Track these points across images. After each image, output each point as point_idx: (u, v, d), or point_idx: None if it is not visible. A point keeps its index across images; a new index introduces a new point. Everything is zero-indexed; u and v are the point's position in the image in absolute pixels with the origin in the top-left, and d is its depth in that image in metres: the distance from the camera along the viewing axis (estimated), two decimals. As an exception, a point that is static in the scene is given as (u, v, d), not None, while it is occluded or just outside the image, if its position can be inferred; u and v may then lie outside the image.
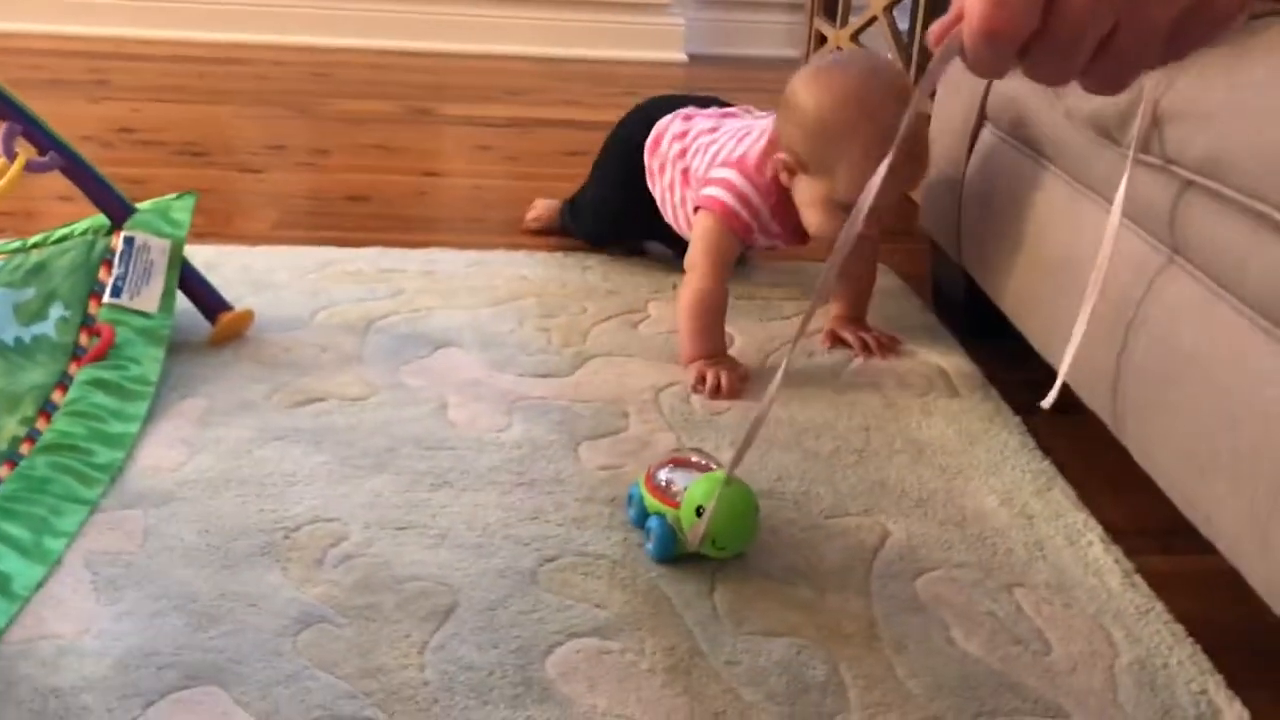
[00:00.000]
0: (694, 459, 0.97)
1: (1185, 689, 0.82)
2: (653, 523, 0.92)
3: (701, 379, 1.19)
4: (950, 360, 1.30)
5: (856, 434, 1.14)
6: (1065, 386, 1.07)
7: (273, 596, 0.85)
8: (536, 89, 2.60)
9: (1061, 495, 1.05)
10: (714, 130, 1.35)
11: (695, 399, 1.18)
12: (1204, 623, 0.89)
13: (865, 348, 1.30)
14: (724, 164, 1.28)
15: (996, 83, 1.24)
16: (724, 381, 1.18)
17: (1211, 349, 0.85)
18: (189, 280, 1.23)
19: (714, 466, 0.95)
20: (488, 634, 0.83)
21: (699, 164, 1.33)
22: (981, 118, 1.27)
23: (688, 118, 1.40)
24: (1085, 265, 1.02)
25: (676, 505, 0.90)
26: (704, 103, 1.46)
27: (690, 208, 1.33)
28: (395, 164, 1.97)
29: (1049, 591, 0.92)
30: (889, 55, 1.86)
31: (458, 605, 0.85)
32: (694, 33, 3.01)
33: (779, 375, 0.78)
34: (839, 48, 2.18)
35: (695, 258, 1.26)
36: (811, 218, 1.22)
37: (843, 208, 1.16)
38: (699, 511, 0.88)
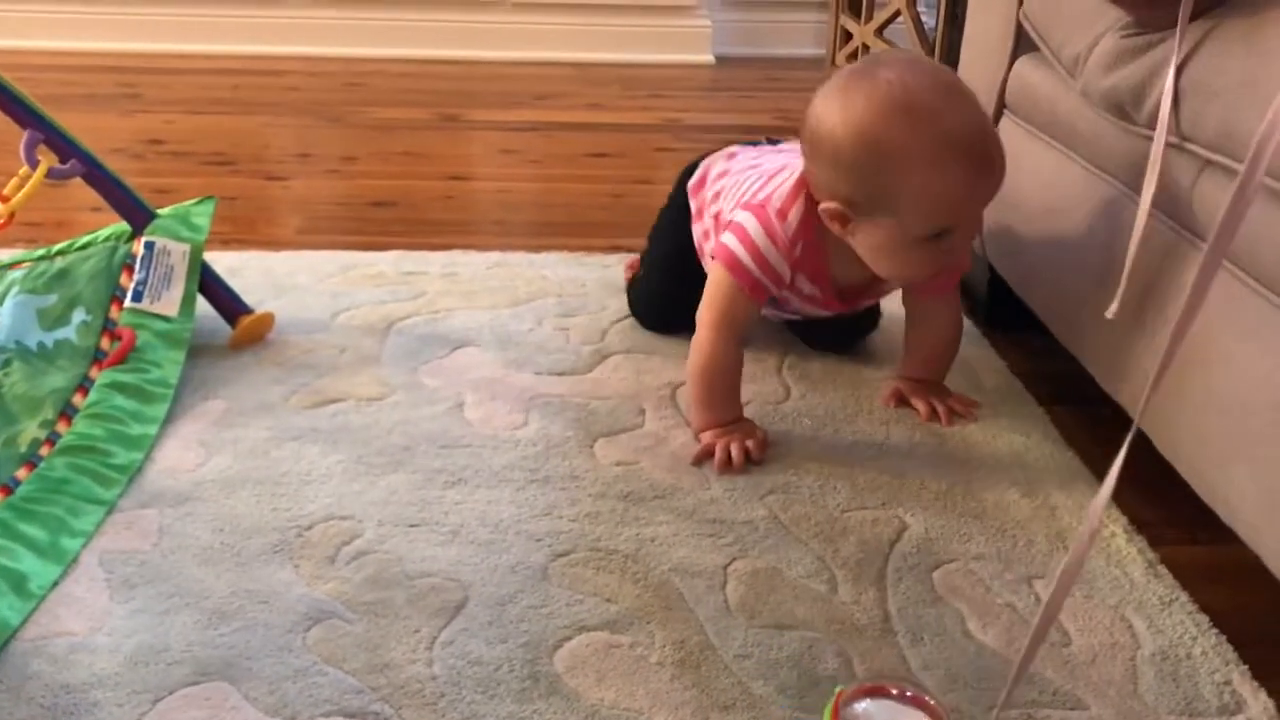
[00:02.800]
0: (894, 689, 0.71)
1: (1209, 680, 0.79)
2: None
3: (709, 452, 1.04)
4: (974, 353, 1.28)
5: (877, 428, 1.12)
6: (1088, 377, 1.05)
7: (284, 593, 0.85)
8: (564, 93, 2.60)
9: (1086, 487, 1.03)
10: (750, 170, 1.16)
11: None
12: (1230, 613, 0.86)
13: (933, 415, 1.12)
14: (744, 206, 1.09)
15: (1014, 71, 1.22)
16: (734, 453, 1.03)
17: (1228, 332, 0.83)
18: (209, 284, 1.24)
19: (927, 699, 0.68)
20: (497, 629, 0.82)
21: (727, 206, 1.14)
22: (1001, 106, 1.25)
23: (731, 155, 1.22)
24: (1106, 251, 1.00)
25: None
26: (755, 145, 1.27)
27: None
28: (422, 169, 1.98)
29: (1070, 583, 0.90)
30: (912, 47, 1.84)
31: (468, 600, 0.85)
32: (721, 34, 3.00)
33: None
34: (865, 45, 2.16)
35: (705, 315, 1.08)
36: (887, 266, 1.03)
37: (922, 242, 0.98)
38: None
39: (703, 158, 1.25)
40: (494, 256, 1.52)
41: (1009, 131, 1.24)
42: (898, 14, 1.94)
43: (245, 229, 1.65)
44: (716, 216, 1.16)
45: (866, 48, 2.16)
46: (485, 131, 2.26)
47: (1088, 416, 1.14)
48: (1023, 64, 1.20)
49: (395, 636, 0.81)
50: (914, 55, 1.04)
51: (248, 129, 2.21)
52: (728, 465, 1.03)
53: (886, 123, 0.94)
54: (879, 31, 2.08)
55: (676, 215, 1.27)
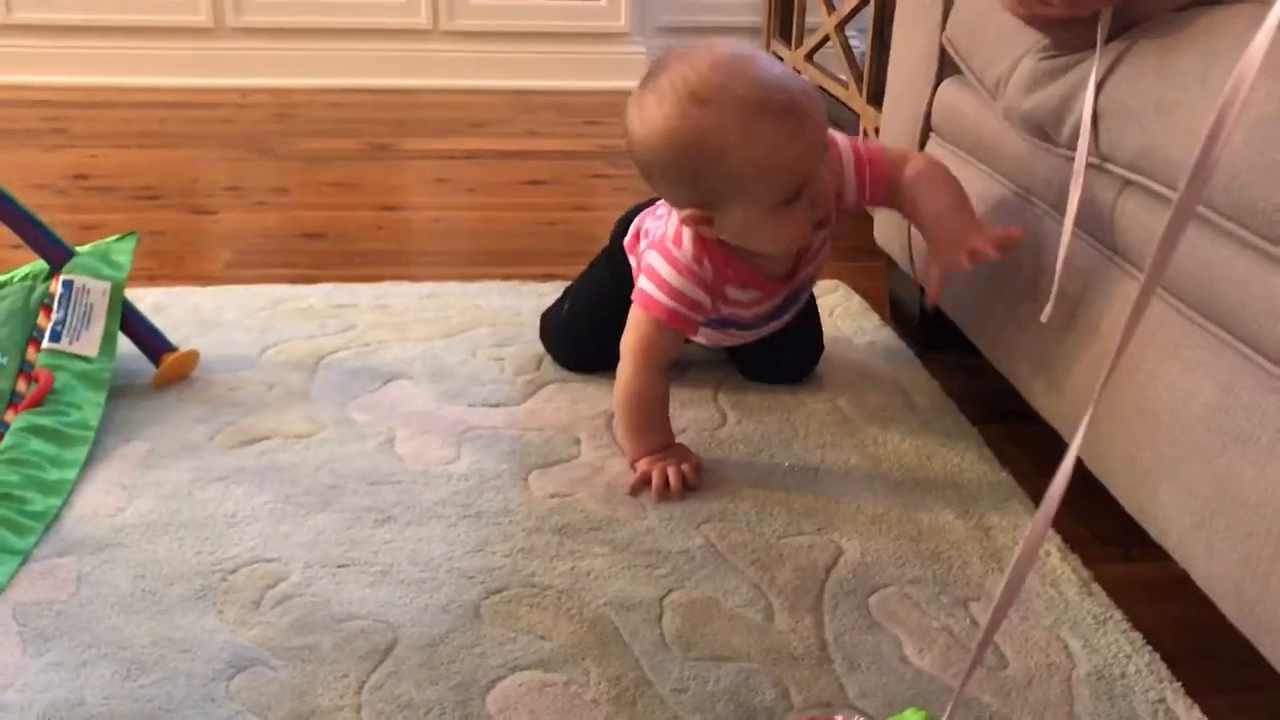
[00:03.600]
0: (838, 717, 0.75)
1: (1143, 698, 0.80)
2: None
3: (645, 480, 1.03)
4: (907, 374, 1.28)
5: (813, 451, 1.12)
6: (1020, 395, 1.06)
7: (207, 641, 0.83)
8: (499, 121, 2.59)
9: (1020, 506, 1.03)
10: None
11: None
12: (1163, 630, 0.87)
13: (1003, 248, 0.99)
14: (650, 246, 1.11)
15: (939, 93, 1.23)
16: (671, 479, 1.02)
17: (1149, 347, 0.84)
18: (131, 322, 1.21)
19: None
20: (427, 671, 0.80)
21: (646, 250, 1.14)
22: (927, 129, 1.26)
23: (656, 215, 1.18)
24: (1032, 271, 1.01)
25: None
26: None
27: None
28: (353, 200, 1.96)
29: (1006, 604, 0.89)
30: (842, 76, 1.85)
31: (397, 642, 0.83)
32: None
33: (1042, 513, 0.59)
34: (796, 69, 2.18)
35: (624, 345, 1.08)
36: (765, 242, 1.03)
37: (783, 207, 0.97)
38: None
39: (637, 209, 1.23)
40: (427, 287, 1.51)
41: (936, 153, 1.24)
42: (827, 38, 1.96)
43: (172, 264, 1.62)
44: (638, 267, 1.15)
45: (798, 72, 2.17)
46: (419, 160, 2.24)
47: (1020, 435, 1.15)
48: (947, 87, 1.22)
49: (322, 682, 0.79)
50: (697, 47, 0.97)
51: (176, 162, 2.17)
52: (665, 491, 1.02)
53: (684, 119, 0.94)
54: (809, 56, 2.09)
55: (608, 264, 1.25)
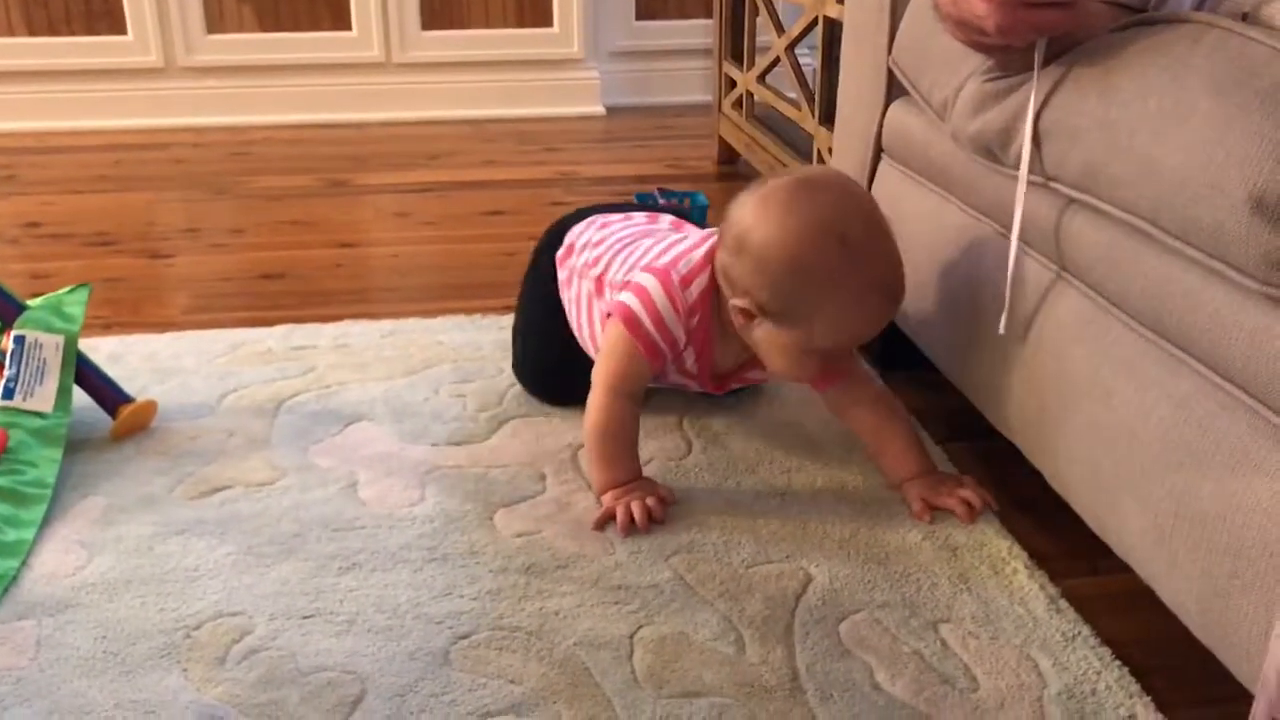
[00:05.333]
0: None
1: (1114, 714, 0.80)
2: None
3: (610, 515, 1.03)
4: (870, 394, 1.29)
5: (778, 476, 1.12)
6: (979, 411, 1.07)
7: (172, 702, 0.81)
8: (457, 152, 2.59)
9: (984, 524, 1.03)
10: (636, 237, 1.16)
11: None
12: (1131, 644, 0.87)
13: (970, 509, 1.04)
14: (646, 268, 1.09)
15: (889, 114, 1.24)
16: (637, 514, 1.01)
17: (1104, 365, 0.84)
18: (86, 375, 1.19)
19: None
20: (396, 722, 0.79)
21: (616, 270, 1.13)
22: (878, 150, 1.27)
23: (604, 225, 1.22)
24: (985, 290, 1.02)
25: None
26: (622, 208, 1.28)
27: (602, 321, 1.14)
28: (311, 238, 1.95)
29: (975, 625, 0.90)
30: (793, 97, 1.87)
31: (365, 694, 0.82)
32: (610, 85, 3.02)
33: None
34: (749, 92, 2.19)
35: (599, 375, 1.08)
36: (779, 365, 1.04)
37: (819, 352, 1.01)
38: None
39: (563, 223, 1.26)
40: (387, 325, 1.50)
41: (887, 175, 1.25)
42: (778, 60, 1.97)
43: (128, 311, 1.60)
44: (599, 281, 1.15)
45: (750, 95, 2.18)
46: (377, 195, 2.23)
47: (981, 451, 1.15)
48: (896, 108, 1.22)
49: (290, 738, 0.78)
50: (844, 178, 1.05)
51: (131, 206, 2.16)
52: (631, 526, 1.02)
53: (819, 251, 0.96)
54: (761, 78, 2.10)
55: (540, 280, 1.26)
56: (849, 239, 0.96)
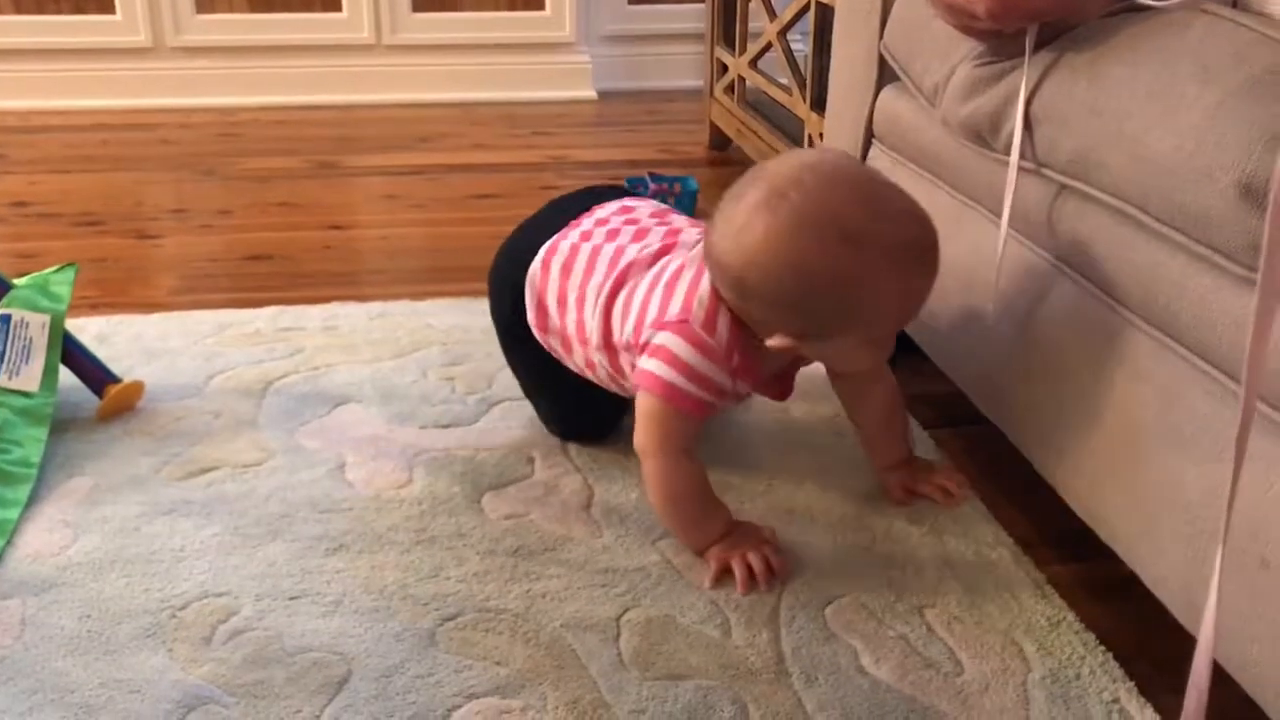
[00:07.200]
0: None
1: (1097, 699, 0.80)
2: None
3: (726, 571, 0.93)
4: (859, 380, 1.29)
5: (766, 461, 1.12)
6: (968, 400, 1.07)
7: (157, 680, 0.81)
8: (447, 134, 2.58)
9: (971, 509, 1.04)
10: (620, 275, 1.01)
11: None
12: (1116, 629, 0.88)
13: (948, 495, 1.04)
14: (661, 326, 0.96)
15: (880, 100, 1.24)
16: (755, 567, 0.92)
17: (1091, 352, 0.85)
18: (72, 354, 1.19)
19: None
20: (382, 702, 0.79)
21: (622, 332, 1.00)
22: (869, 136, 1.27)
23: (566, 267, 1.05)
24: (976, 276, 1.02)
25: None
26: (568, 204, 1.12)
27: (629, 372, 1.01)
28: (300, 220, 1.94)
29: (961, 609, 0.90)
30: (785, 82, 1.86)
31: (351, 674, 0.82)
32: (602, 69, 3.01)
33: None
34: (741, 77, 2.18)
35: (646, 444, 0.97)
36: (851, 365, 1.00)
37: (889, 333, 0.94)
38: None
39: (514, 272, 1.09)
40: (375, 307, 1.49)
41: (878, 161, 1.25)
42: (770, 45, 1.97)
43: (115, 292, 1.59)
44: (608, 349, 1.02)
45: (743, 80, 2.18)
46: (366, 177, 2.22)
47: (971, 438, 1.16)
48: (888, 94, 1.22)
49: (275, 718, 0.78)
50: (810, 163, 0.90)
51: (119, 186, 2.14)
52: (752, 582, 0.92)
53: (826, 256, 0.85)
54: (753, 63, 2.10)
55: (516, 344, 1.13)
56: (848, 229, 0.85)
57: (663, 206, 1.11)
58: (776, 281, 0.87)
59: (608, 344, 1.02)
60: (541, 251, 1.07)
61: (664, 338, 0.95)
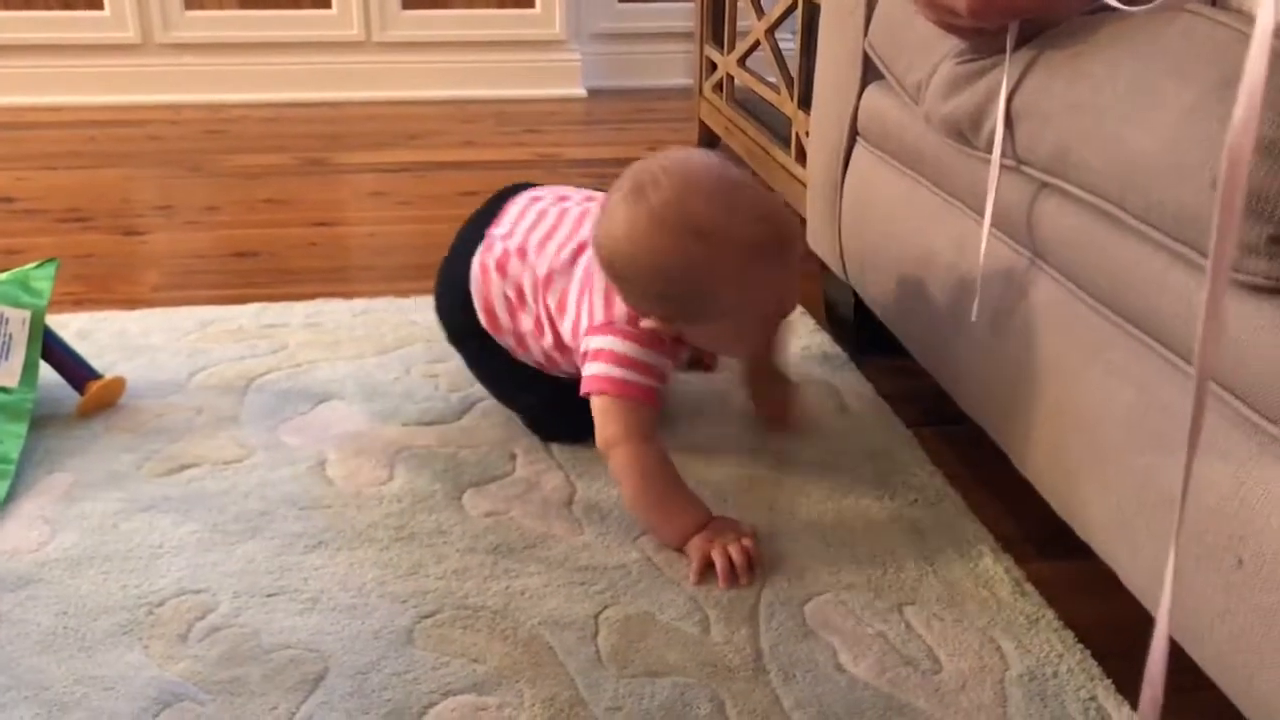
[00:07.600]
0: None
1: (1074, 697, 0.80)
2: None
3: (708, 564, 0.94)
4: (842, 378, 1.29)
5: (746, 457, 1.12)
6: (951, 397, 1.07)
7: (132, 677, 0.81)
8: (436, 132, 2.57)
9: (952, 507, 1.04)
10: (551, 271, 1.06)
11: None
12: (1094, 626, 0.88)
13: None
14: (592, 331, 1.02)
15: (864, 98, 1.23)
16: (735, 559, 0.93)
17: (1071, 349, 0.85)
18: (53, 350, 1.18)
19: None
20: (358, 700, 0.79)
21: (568, 334, 1.07)
22: (854, 133, 1.27)
23: (519, 293, 1.10)
24: (956, 275, 1.02)
25: None
26: (483, 211, 1.17)
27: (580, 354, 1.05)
28: (286, 217, 1.94)
29: (939, 607, 0.90)
30: (773, 80, 1.86)
31: (328, 672, 0.82)
32: (592, 67, 3.01)
33: None
34: (729, 75, 2.18)
35: (609, 437, 1.00)
36: (729, 350, 1.11)
37: (758, 324, 1.02)
38: None
39: (447, 279, 1.15)
40: (359, 304, 1.49)
41: (862, 158, 1.25)
42: (758, 43, 1.96)
43: (100, 288, 1.59)
44: (559, 346, 1.09)
45: (731, 78, 2.18)
46: (354, 175, 2.22)
47: (953, 437, 1.16)
48: (872, 91, 1.22)
49: (251, 716, 0.78)
50: (676, 157, 0.98)
51: (105, 183, 2.13)
52: (733, 576, 0.92)
53: (681, 253, 0.93)
54: (741, 61, 2.09)
55: (482, 357, 1.17)
56: (701, 228, 0.92)
57: (563, 191, 1.16)
58: (637, 270, 0.96)
59: (560, 343, 1.09)
60: (475, 257, 1.12)
61: (599, 341, 1.02)
